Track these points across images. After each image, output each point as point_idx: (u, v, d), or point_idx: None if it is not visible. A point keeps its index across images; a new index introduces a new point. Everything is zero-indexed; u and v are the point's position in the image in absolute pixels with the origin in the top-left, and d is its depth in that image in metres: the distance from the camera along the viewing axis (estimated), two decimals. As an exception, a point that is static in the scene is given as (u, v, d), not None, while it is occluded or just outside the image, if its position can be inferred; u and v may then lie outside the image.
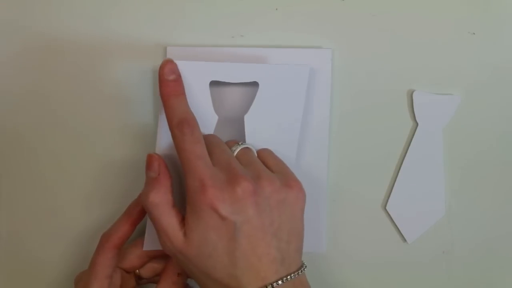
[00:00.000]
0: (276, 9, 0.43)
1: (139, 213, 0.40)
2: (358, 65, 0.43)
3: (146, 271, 0.42)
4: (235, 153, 0.38)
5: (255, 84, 0.40)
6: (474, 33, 0.43)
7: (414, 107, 0.43)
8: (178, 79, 0.38)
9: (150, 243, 0.41)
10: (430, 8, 0.43)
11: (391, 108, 0.44)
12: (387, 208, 0.45)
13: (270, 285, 0.34)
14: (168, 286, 0.39)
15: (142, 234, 0.41)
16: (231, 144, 0.39)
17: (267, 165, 0.38)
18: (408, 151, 0.44)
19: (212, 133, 0.40)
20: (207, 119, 0.39)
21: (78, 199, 0.44)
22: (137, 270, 0.42)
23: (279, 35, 0.43)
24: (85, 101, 0.43)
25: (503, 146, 0.45)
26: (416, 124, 0.44)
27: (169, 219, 0.36)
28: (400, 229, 0.45)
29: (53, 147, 0.44)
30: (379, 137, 0.44)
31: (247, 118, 0.40)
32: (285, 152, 0.40)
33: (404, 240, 0.45)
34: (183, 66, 0.39)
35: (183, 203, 0.37)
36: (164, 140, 0.39)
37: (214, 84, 0.39)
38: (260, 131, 0.40)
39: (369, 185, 0.45)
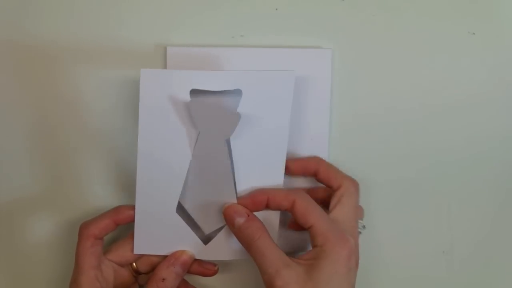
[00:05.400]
0: (276, 9, 0.43)
1: (126, 217, 0.40)
2: (358, 65, 0.43)
3: (143, 265, 0.42)
4: None
5: (239, 92, 0.39)
6: (474, 33, 0.43)
7: None
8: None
9: (139, 247, 0.41)
10: (430, 8, 0.43)
11: (391, 107, 0.44)
12: None
13: None
14: None
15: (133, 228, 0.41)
16: None
17: None
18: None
19: (195, 140, 0.39)
20: (190, 128, 0.39)
21: (74, 200, 0.45)
22: (134, 264, 0.42)
23: (279, 35, 0.43)
24: (84, 102, 0.43)
25: (505, 148, 0.45)
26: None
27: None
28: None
29: (47, 147, 0.44)
30: (378, 137, 0.44)
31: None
32: (273, 161, 0.40)
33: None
34: (162, 75, 0.38)
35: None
36: (146, 143, 0.39)
37: (196, 93, 0.38)
38: (246, 140, 0.39)
39: (370, 185, 0.45)
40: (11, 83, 0.43)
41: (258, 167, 0.40)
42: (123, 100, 0.43)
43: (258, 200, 0.39)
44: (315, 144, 0.43)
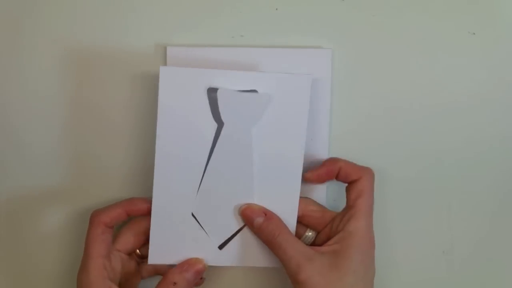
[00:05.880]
0: (276, 9, 0.43)
1: (138, 209, 0.41)
2: (358, 65, 0.43)
3: (146, 250, 0.42)
4: None
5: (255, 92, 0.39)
6: (474, 33, 0.43)
7: None
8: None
9: (155, 256, 0.41)
10: (430, 8, 0.43)
11: (391, 107, 0.44)
12: None
13: None
14: None
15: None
16: None
17: None
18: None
19: (211, 140, 0.39)
20: (206, 126, 0.39)
21: (77, 198, 0.45)
22: (137, 250, 0.42)
23: (279, 35, 0.43)
24: (84, 101, 0.43)
25: (505, 148, 0.45)
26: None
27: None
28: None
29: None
30: (378, 137, 0.44)
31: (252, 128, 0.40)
32: (291, 163, 0.40)
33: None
34: (181, 73, 0.38)
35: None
36: (164, 146, 0.39)
37: (213, 91, 0.39)
38: (261, 141, 0.40)
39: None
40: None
41: (275, 169, 0.40)
42: (127, 98, 0.43)
43: (331, 169, 0.41)
44: (315, 144, 0.43)
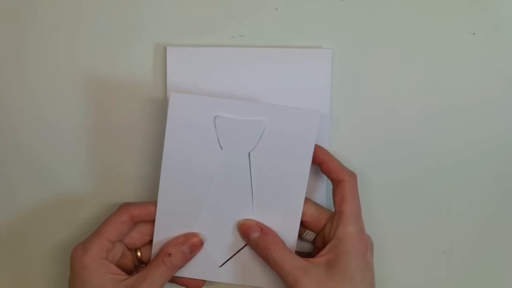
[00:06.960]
0: (276, 9, 0.43)
1: None
2: (358, 65, 0.43)
3: (147, 254, 0.42)
4: None
5: (263, 123, 0.40)
6: (474, 33, 0.43)
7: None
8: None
9: (160, 235, 0.41)
10: (430, 8, 0.43)
11: (391, 107, 0.44)
12: None
13: None
14: (158, 262, 0.40)
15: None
16: None
17: None
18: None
19: (216, 167, 0.40)
20: (212, 152, 0.40)
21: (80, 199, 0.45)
22: (138, 253, 0.42)
23: (279, 35, 0.43)
24: (85, 100, 0.43)
25: (506, 148, 0.45)
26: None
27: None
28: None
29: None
30: (378, 137, 0.44)
31: (252, 154, 0.40)
32: (295, 187, 0.40)
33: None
34: (190, 100, 0.39)
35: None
36: (170, 152, 0.40)
37: (220, 118, 0.39)
38: (266, 169, 0.40)
39: (370, 185, 0.45)
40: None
41: (279, 191, 0.41)
42: (124, 97, 0.43)
43: (316, 154, 0.41)
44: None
